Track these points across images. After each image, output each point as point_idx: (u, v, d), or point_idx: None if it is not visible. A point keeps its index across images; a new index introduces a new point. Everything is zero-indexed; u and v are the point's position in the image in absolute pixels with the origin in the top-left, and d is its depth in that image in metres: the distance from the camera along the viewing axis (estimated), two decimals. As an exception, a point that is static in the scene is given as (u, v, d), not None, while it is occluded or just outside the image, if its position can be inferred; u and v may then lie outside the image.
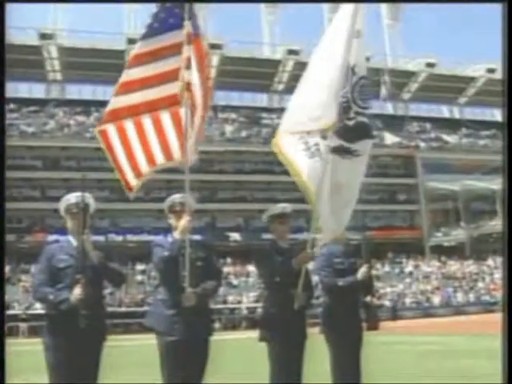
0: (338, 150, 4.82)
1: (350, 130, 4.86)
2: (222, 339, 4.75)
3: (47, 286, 4.15)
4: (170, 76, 4.53)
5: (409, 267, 45.13)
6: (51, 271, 4.18)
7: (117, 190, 44.03)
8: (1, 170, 4.87)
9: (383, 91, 49.68)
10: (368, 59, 52.64)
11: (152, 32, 4.59)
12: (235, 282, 38.97)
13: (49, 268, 4.19)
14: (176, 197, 4.55)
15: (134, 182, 4.85)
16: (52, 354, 4.10)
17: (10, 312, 30.40)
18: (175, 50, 4.52)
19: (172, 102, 4.57)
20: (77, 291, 3.99)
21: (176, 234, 4.35)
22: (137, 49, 4.63)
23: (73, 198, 4.32)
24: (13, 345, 19.19)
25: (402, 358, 11.92)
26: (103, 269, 4.21)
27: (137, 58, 4.60)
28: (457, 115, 60.77)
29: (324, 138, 4.80)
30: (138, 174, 4.85)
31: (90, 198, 4.37)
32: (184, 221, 4.30)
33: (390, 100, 54.20)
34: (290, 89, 53.39)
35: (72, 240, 4.30)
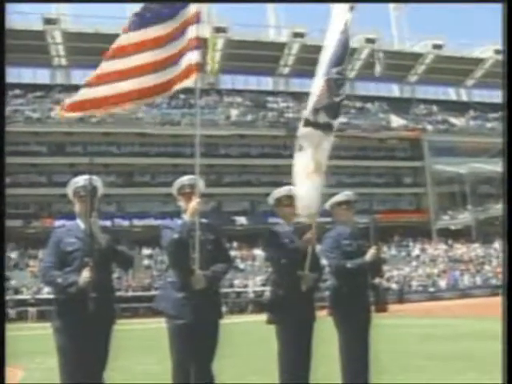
0: (324, 127, 4.77)
1: (335, 107, 4.81)
2: (228, 323, 4.76)
3: (56, 269, 4.14)
4: (165, 63, 4.42)
5: (415, 250, 45.15)
6: (59, 255, 4.18)
7: (123, 174, 44.19)
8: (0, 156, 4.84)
9: (377, 68, 49.21)
10: (374, 41, 52.36)
11: (144, 22, 4.38)
12: (242, 265, 39.08)
13: (57, 251, 4.19)
14: (185, 179, 4.53)
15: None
16: (61, 337, 4.11)
17: (18, 297, 30.61)
18: (170, 38, 4.40)
19: (166, 89, 4.48)
20: (85, 274, 3.98)
21: (186, 216, 4.33)
22: (125, 40, 4.38)
23: (81, 180, 4.31)
24: (22, 329, 19.43)
25: (409, 341, 11.97)
26: (111, 252, 4.20)
27: (123, 49, 4.40)
28: (464, 97, 60.33)
29: (316, 113, 4.78)
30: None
31: (97, 181, 4.36)
32: (194, 202, 4.28)
33: (384, 77, 53.63)
34: (295, 72, 53.23)
35: (80, 223, 4.29)
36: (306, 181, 4.74)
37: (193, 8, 4.39)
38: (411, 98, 57.45)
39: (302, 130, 4.83)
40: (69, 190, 4.36)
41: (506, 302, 4.17)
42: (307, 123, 4.80)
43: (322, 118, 4.75)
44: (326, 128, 4.77)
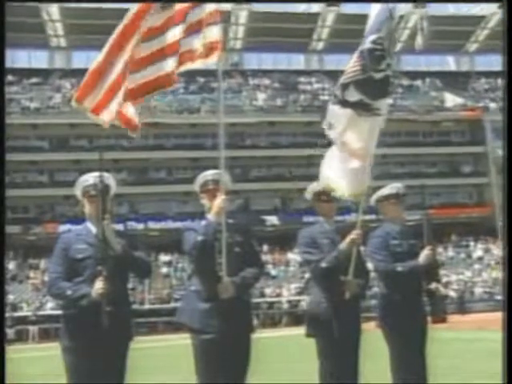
0: (355, 106, 4.76)
1: (376, 85, 4.75)
2: (259, 337, 4.81)
3: (64, 279, 4.22)
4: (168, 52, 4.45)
5: (478, 251, 44.69)
6: (68, 263, 4.26)
7: (136, 171, 44.49)
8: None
9: (419, 40, 48.37)
10: (424, 5, 51.68)
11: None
12: (274, 271, 39.15)
13: (65, 259, 4.27)
14: (209, 173, 4.59)
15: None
16: (71, 357, 4.19)
17: (17, 314, 30.95)
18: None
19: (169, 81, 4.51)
20: (98, 285, 4.05)
21: (210, 216, 4.39)
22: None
23: (91, 178, 4.39)
24: (22, 351, 19.63)
25: (472, 357, 11.87)
26: (127, 258, 4.27)
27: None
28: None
29: (343, 89, 4.77)
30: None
31: (109, 179, 4.44)
32: (219, 200, 4.34)
33: (425, 51, 52.79)
34: (331, 47, 52.99)
35: (91, 227, 4.37)
36: (337, 162, 4.81)
37: None
38: (470, 72, 56.64)
39: (331, 107, 4.87)
40: (77, 190, 4.44)
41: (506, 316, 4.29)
42: (335, 100, 4.85)
43: (353, 95, 4.75)
44: (359, 107, 4.75)
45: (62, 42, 51.52)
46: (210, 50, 4.34)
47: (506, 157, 4.69)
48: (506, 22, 4.80)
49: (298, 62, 56.00)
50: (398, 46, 52.16)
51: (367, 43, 4.74)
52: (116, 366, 4.23)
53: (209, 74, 41.91)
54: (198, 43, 4.38)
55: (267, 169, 46.96)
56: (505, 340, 4.13)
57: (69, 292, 4.17)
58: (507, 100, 4.73)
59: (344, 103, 4.78)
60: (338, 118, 4.81)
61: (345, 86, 4.77)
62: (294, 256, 38.97)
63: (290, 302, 34.22)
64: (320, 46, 54.67)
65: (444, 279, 35.95)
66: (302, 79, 53.36)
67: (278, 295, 35.29)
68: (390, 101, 4.97)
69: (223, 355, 4.25)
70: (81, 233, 4.39)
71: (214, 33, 4.36)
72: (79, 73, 49.78)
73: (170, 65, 4.39)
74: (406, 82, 53.01)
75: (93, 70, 4.52)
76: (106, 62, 4.47)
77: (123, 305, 4.32)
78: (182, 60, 4.43)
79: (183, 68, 4.48)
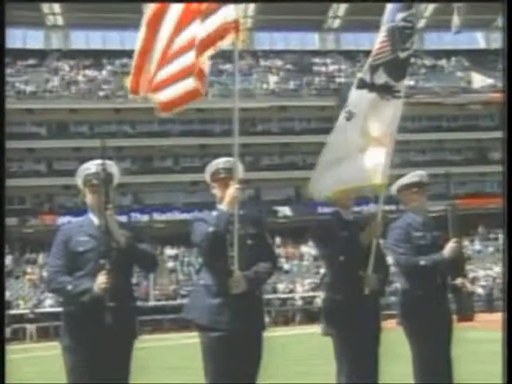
0: (380, 89, 4.75)
1: (400, 65, 4.76)
2: (271, 336, 4.83)
3: (64, 274, 4.25)
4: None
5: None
6: (69, 256, 4.28)
7: (140, 159, 44.49)
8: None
9: (455, 20, 47.66)
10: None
11: None
12: (286, 266, 39.16)
13: (66, 252, 4.30)
14: (220, 161, 4.60)
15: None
16: (72, 357, 4.22)
17: (14, 312, 31.00)
18: None
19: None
20: (101, 279, 4.07)
21: (223, 206, 4.40)
22: None
23: (92, 166, 4.40)
24: (19, 351, 19.73)
25: (501, 360, 11.82)
26: (131, 252, 4.28)
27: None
28: None
29: (373, 71, 4.74)
30: None
31: (112, 167, 4.47)
32: (232, 189, 4.35)
33: (463, 31, 52.22)
34: (347, 25, 52.70)
35: (93, 218, 4.40)
36: (358, 154, 4.76)
37: None
38: (500, 49, 56.02)
39: (354, 93, 4.85)
40: (78, 179, 4.47)
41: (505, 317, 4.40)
42: (361, 84, 4.81)
43: (380, 77, 4.73)
44: (383, 90, 4.74)
45: (59, 21, 51.40)
46: (227, 30, 4.35)
47: (506, 156, 4.69)
48: (507, 24, 4.77)
49: (312, 41, 55.79)
50: (422, 23, 51.81)
51: (397, 21, 4.72)
52: (119, 366, 4.25)
53: (216, 55, 41.51)
54: (216, 24, 4.40)
55: (279, 156, 46.91)
56: (505, 340, 4.15)
57: (69, 287, 4.19)
58: (507, 99, 4.73)
59: (371, 87, 4.76)
60: (362, 103, 4.78)
61: (374, 68, 4.75)
62: (308, 249, 39.02)
63: (303, 298, 34.26)
64: (336, 23, 54.39)
65: (471, 274, 35.82)
66: (317, 60, 53.17)
67: (292, 291, 35.34)
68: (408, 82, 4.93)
69: (233, 354, 4.26)
70: (82, 224, 4.43)
71: (230, 12, 4.37)
72: (78, 54, 50.14)
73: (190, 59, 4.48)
74: (429, 61, 52.69)
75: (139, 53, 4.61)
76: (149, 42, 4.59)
77: (127, 301, 4.35)
78: (202, 47, 4.47)
79: (207, 54, 4.53)
